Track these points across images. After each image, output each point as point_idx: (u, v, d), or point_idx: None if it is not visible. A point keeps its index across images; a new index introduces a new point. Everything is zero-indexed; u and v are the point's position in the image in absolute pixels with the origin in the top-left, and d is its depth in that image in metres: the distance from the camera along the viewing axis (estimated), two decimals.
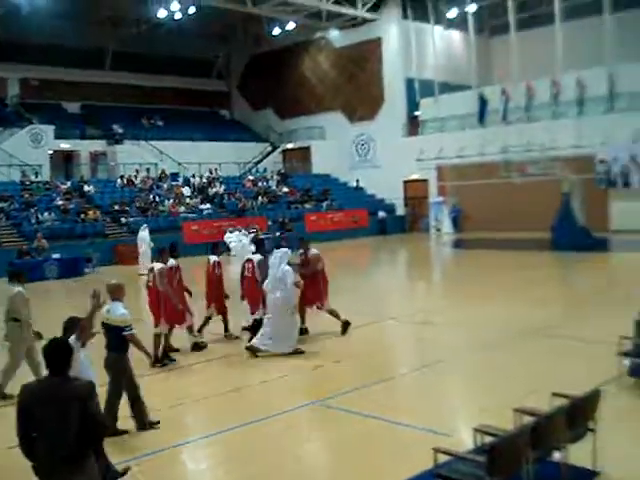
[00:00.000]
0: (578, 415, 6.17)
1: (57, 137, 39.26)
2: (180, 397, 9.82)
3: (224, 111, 54.46)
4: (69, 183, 36.27)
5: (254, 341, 11.92)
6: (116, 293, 8.35)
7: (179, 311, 11.99)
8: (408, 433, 8.07)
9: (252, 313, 12.76)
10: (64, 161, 41.59)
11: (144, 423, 8.40)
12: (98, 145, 42.15)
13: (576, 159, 32.18)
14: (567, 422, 6.01)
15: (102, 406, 7.29)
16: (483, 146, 36.86)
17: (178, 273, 12.20)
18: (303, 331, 13.19)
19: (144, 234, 27.08)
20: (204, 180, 40.22)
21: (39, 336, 9.69)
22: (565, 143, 33.73)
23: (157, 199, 36.10)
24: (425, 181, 41.94)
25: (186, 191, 38.35)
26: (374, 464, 7.29)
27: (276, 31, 46.99)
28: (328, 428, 8.65)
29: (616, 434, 7.19)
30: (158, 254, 12.48)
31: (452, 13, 44.14)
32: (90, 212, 32.90)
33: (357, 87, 45.62)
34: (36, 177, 35.49)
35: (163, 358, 11.63)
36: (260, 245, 13.65)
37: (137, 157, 40.66)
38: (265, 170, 45.88)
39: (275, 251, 12.18)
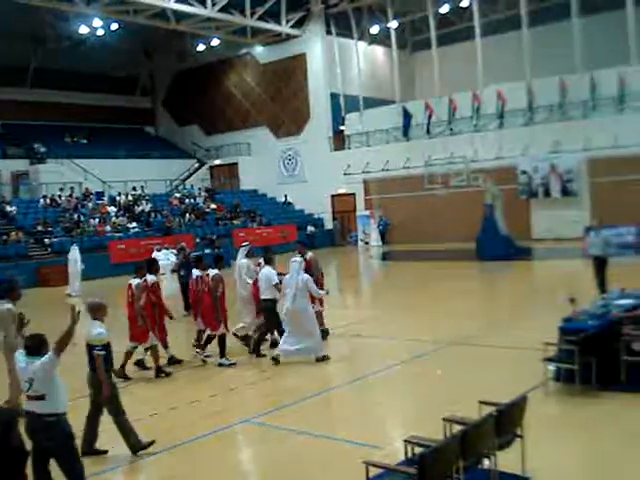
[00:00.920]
0: (506, 422, 6.27)
1: None
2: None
3: (149, 128, 53.91)
4: None
5: (279, 350, 12.13)
6: (97, 313, 8.24)
7: (140, 329, 11.91)
8: (340, 447, 8.06)
9: (213, 330, 12.47)
10: None
11: (141, 444, 8.15)
12: (20, 164, 41.02)
13: (498, 170, 33.04)
14: (495, 429, 6.09)
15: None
16: (408, 159, 37.50)
17: (157, 290, 12.24)
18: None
19: (74, 254, 26.58)
20: (130, 198, 39.64)
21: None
22: (487, 155, 34.64)
23: (82, 219, 35.37)
24: (352, 195, 42.31)
25: (112, 210, 37.72)
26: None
27: (201, 47, 46.92)
28: (259, 446, 8.58)
29: (543, 439, 7.33)
30: (135, 271, 12.30)
31: (375, 29, 44.81)
32: (12, 234, 32.02)
33: (283, 102, 45.80)
34: None
35: (160, 371, 11.85)
36: (200, 261, 13.43)
37: (61, 176, 39.75)
38: (192, 187, 45.54)
39: (292, 261, 12.41)
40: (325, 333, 13.54)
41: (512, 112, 35.88)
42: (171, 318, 12.65)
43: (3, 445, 4.55)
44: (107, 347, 8.06)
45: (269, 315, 12.86)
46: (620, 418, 8.36)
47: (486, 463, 6.15)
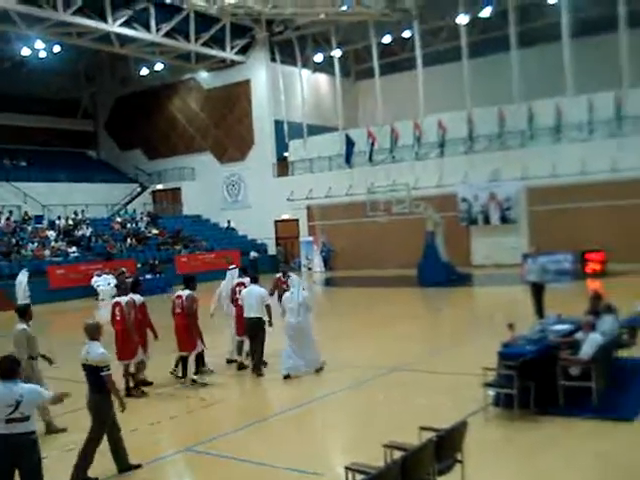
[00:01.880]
0: (446, 447, 6.32)
1: None
2: (60, 446, 9.22)
3: (91, 151, 53.23)
4: None
5: (286, 370, 12.71)
6: (93, 333, 8.18)
7: (135, 344, 12.28)
8: (281, 475, 8.00)
9: (187, 349, 12.61)
10: None
11: (128, 465, 8.14)
12: None
13: (439, 198, 33.56)
14: (435, 455, 6.14)
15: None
16: (351, 186, 37.80)
17: (143, 309, 12.70)
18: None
19: (22, 278, 26.08)
20: (70, 222, 38.98)
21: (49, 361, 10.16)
22: (428, 183, 35.14)
23: (20, 243, 34.61)
24: (296, 221, 42.39)
25: (51, 234, 37.01)
26: None
27: (144, 71, 46.71)
28: (197, 475, 8.47)
29: (484, 464, 7.41)
30: (121, 291, 13.08)
31: (319, 57, 45.27)
32: None
33: (227, 128, 45.79)
34: None
35: (138, 386, 12.31)
36: (137, 285, 13.46)
37: None
38: (134, 211, 45.04)
39: (292, 277, 13.96)
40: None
41: (453, 141, 36.56)
42: (156, 337, 12.77)
43: None
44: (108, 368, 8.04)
45: (262, 333, 13.21)
46: (559, 442, 8.49)
47: None
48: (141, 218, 43.53)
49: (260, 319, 13.13)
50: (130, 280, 17.68)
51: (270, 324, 13.26)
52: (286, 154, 44.19)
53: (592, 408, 9.22)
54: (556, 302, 16.64)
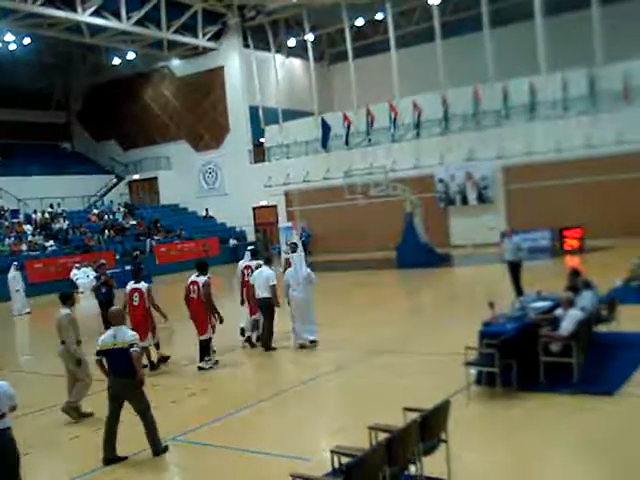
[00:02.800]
0: (430, 427, 6.36)
1: None
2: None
3: (65, 143, 52.69)
4: None
5: (302, 340, 13.93)
6: (120, 319, 8.76)
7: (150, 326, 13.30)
8: (267, 461, 8.02)
9: (201, 334, 12.99)
10: None
11: (116, 456, 8.38)
12: None
13: (416, 179, 33.66)
14: (420, 435, 6.19)
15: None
16: (328, 170, 37.77)
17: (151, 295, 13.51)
18: None
19: (16, 273, 25.94)
20: (46, 216, 38.67)
21: (78, 363, 10.31)
22: (405, 164, 35.20)
23: None
24: (274, 207, 42.33)
25: (28, 228, 36.71)
26: None
27: (116, 61, 46.26)
28: (185, 463, 8.47)
29: (468, 442, 7.47)
30: (134, 275, 14.28)
31: (292, 42, 45.09)
32: None
33: (201, 116, 45.52)
34: None
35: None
36: (140, 272, 14.83)
37: None
38: (111, 203, 44.75)
39: (294, 255, 14.62)
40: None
41: (428, 122, 36.58)
42: (165, 319, 13.68)
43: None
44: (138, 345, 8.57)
45: (271, 312, 14.15)
46: (541, 417, 8.59)
47: (412, 469, 6.23)
48: (118, 209, 43.28)
49: (270, 299, 14.08)
50: (107, 272, 18.38)
51: (278, 304, 14.16)
52: (262, 140, 44.02)
53: (573, 383, 9.33)
54: (535, 279, 16.77)
